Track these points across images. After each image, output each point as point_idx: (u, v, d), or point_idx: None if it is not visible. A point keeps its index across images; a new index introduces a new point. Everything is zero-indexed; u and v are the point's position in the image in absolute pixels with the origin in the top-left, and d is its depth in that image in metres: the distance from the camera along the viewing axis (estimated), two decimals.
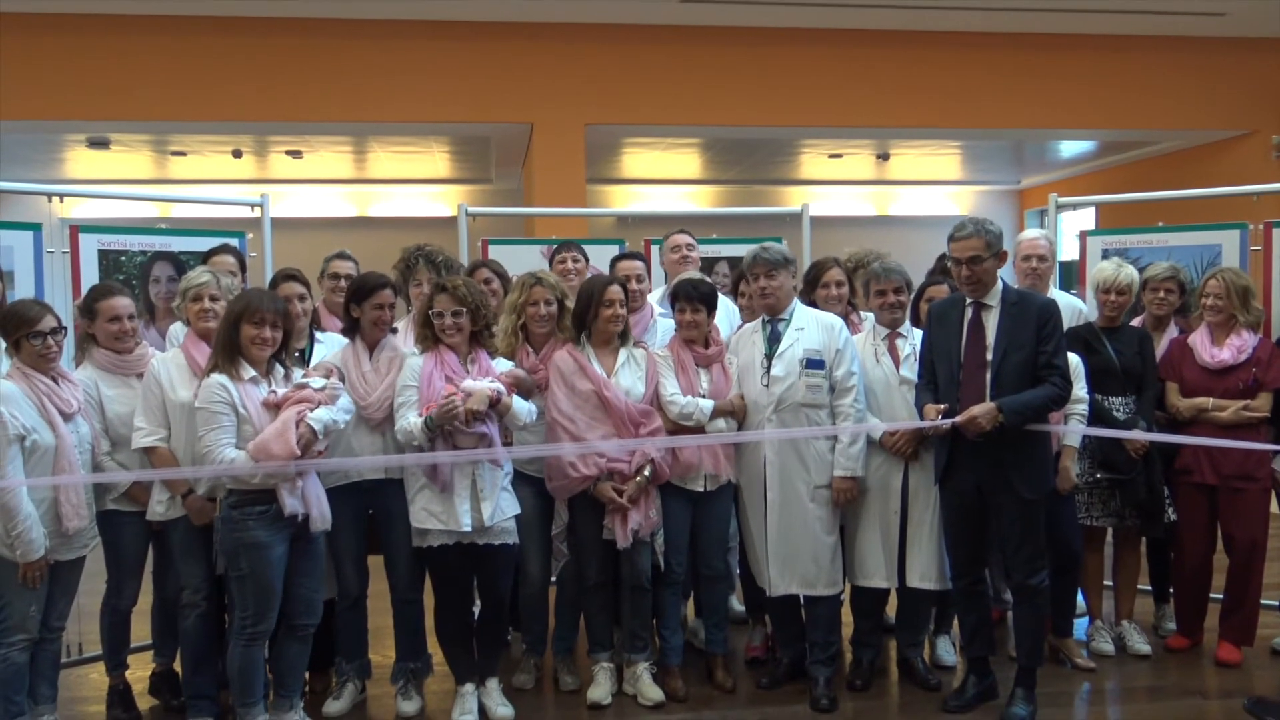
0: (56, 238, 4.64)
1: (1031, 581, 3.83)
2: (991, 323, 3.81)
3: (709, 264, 5.60)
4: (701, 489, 4.11)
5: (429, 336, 3.85)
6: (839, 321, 4.13)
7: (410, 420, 3.72)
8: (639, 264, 4.67)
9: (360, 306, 3.95)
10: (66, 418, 3.53)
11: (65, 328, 3.61)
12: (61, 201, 5.10)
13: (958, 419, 3.71)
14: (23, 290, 4.35)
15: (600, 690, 4.09)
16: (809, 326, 4.07)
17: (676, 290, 4.20)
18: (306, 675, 3.98)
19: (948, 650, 4.51)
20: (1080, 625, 4.69)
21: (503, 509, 3.83)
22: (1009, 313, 3.79)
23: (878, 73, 8.72)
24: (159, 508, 3.78)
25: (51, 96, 7.88)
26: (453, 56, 8.25)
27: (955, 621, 4.59)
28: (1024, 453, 3.77)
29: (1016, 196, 14.10)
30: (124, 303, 3.85)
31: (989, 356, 3.77)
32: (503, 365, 3.94)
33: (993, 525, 3.88)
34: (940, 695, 4.12)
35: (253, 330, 3.52)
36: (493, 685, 4.01)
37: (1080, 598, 4.65)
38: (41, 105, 7.92)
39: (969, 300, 3.86)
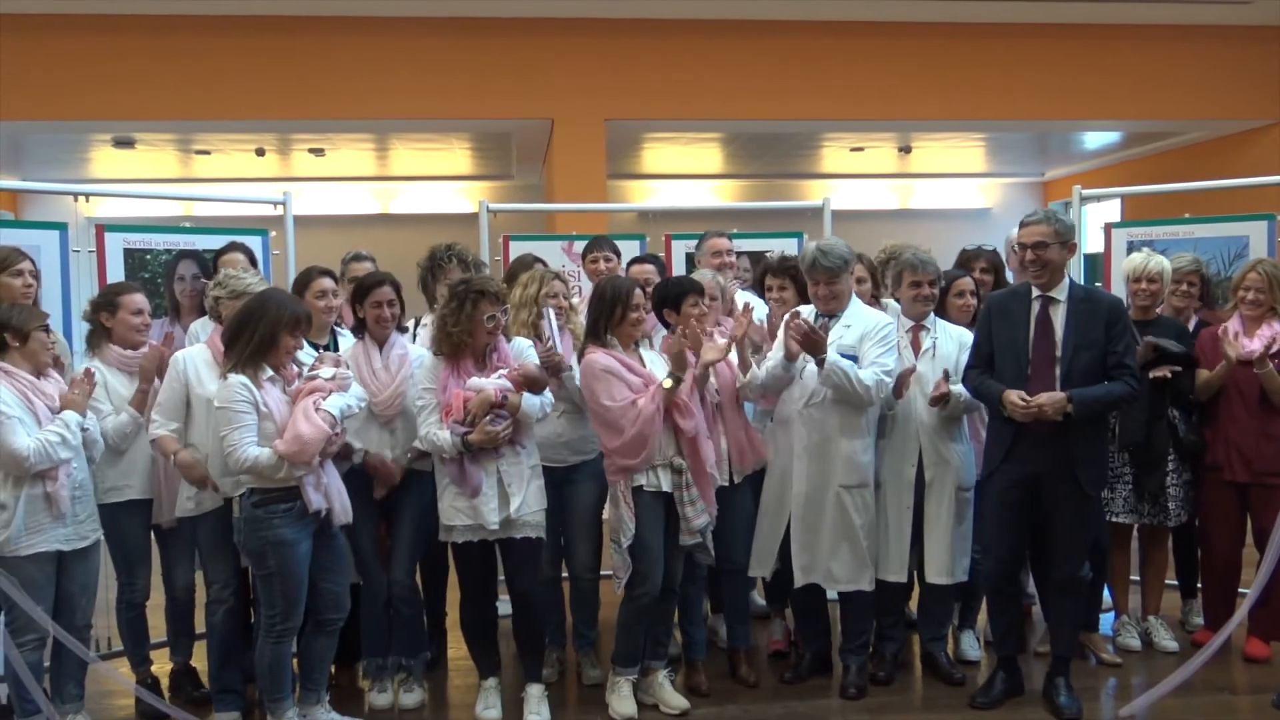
0: (82, 237, 4.68)
1: (1079, 574, 3.84)
2: (1059, 319, 3.78)
3: None
4: (728, 482, 4.09)
5: (450, 346, 3.77)
6: (886, 317, 4.10)
7: (440, 435, 3.70)
8: (651, 268, 4.69)
9: (362, 305, 3.98)
10: (55, 411, 3.57)
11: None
12: (87, 201, 5.14)
13: (1026, 409, 3.65)
14: (49, 289, 4.38)
15: (628, 705, 3.92)
16: (855, 324, 4.03)
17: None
18: (332, 669, 4.00)
19: (972, 645, 4.49)
20: (1106, 620, 4.65)
21: (529, 502, 3.81)
22: (1077, 309, 3.76)
23: (899, 65, 8.68)
24: (189, 504, 3.81)
25: (77, 97, 7.97)
26: (473, 53, 8.27)
27: (979, 616, 4.58)
28: (1090, 449, 3.76)
29: (1040, 188, 14.00)
30: (143, 298, 3.99)
31: (1058, 353, 3.74)
32: (520, 345, 3.91)
33: (1043, 517, 3.84)
34: (964, 690, 4.10)
35: (292, 342, 3.55)
36: (535, 691, 3.91)
37: (1106, 593, 4.62)
38: (68, 106, 8.02)
39: (1035, 294, 3.83)
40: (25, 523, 3.48)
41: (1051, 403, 3.63)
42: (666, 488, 3.84)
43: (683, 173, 12.86)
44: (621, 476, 3.81)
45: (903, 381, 3.99)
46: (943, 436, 4.10)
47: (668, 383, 3.77)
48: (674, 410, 3.79)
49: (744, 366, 4.10)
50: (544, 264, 4.60)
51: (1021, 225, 3.86)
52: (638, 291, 3.95)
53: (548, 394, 3.86)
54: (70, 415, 3.55)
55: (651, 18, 8.37)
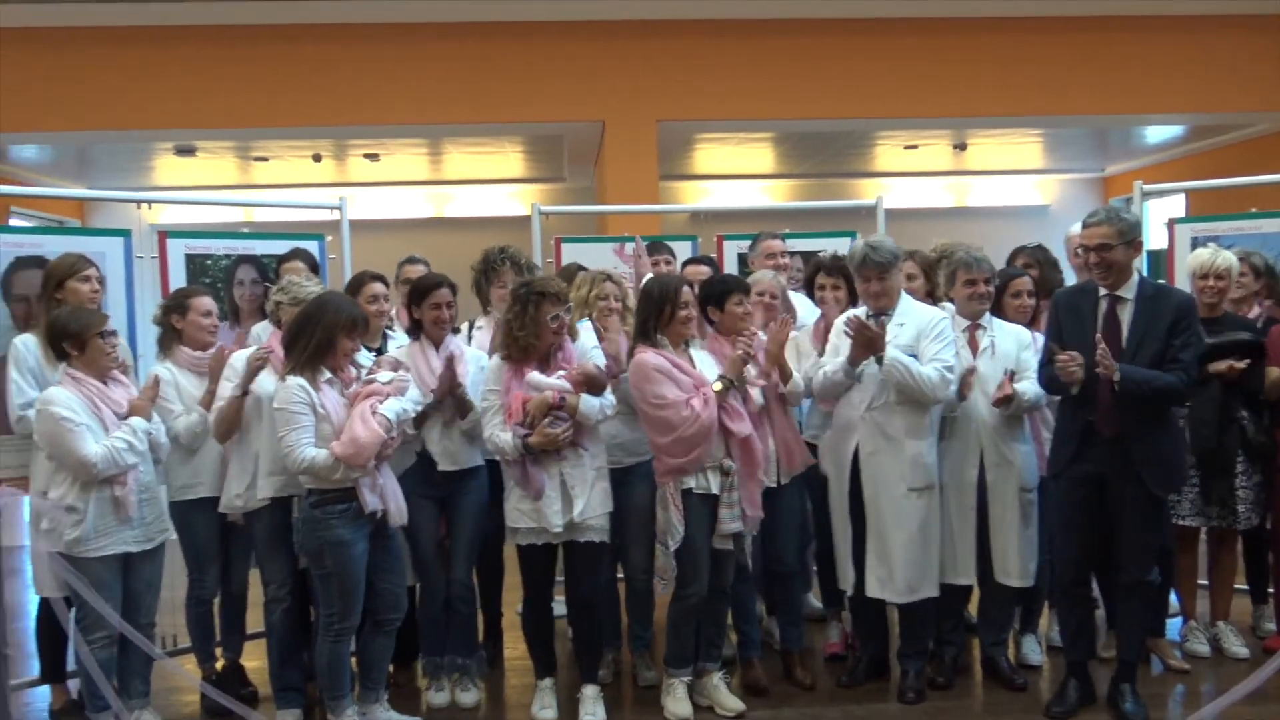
0: (146, 243, 4.77)
1: (1147, 578, 3.76)
2: (1126, 317, 3.70)
3: None
4: (775, 483, 4.06)
5: (518, 350, 3.77)
6: (939, 313, 4.06)
7: (502, 437, 3.72)
8: (706, 269, 4.68)
9: (420, 307, 4.01)
10: (120, 415, 3.64)
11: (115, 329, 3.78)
12: (150, 208, 5.27)
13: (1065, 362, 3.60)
14: (114, 295, 4.48)
15: (684, 706, 3.92)
16: (909, 322, 3.98)
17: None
18: (390, 668, 4.05)
19: (1034, 649, 4.41)
20: (1173, 626, 4.55)
21: (594, 504, 3.80)
22: (1145, 307, 3.69)
23: (954, 61, 8.56)
24: (237, 501, 3.88)
25: (141, 107, 8.15)
26: (524, 56, 8.31)
27: (1041, 620, 4.50)
28: (1155, 449, 3.68)
29: (1101, 184, 13.72)
30: (212, 301, 4.13)
31: (1124, 352, 3.66)
32: (584, 346, 3.91)
33: (1109, 518, 3.76)
34: (1026, 695, 4.04)
35: (350, 344, 3.60)
36: (590, 692, 3.93)
37: (1173, 597, 4.51)
38: (131, 115, 8.20)
39: (1102, 292, 3.75)
40: (95, 525, 3.57)
41: (1108, 364, 3.54)
42: (715, 490, 3.83)
43: (734, 173, 12.81)
44: (671, 479, 3.80)
45: (965, 383, 3.94)
46: (1004, 437, 4.04)
47: (717, 385, 3.76)
48: (723, 414, 3.77)
49: (784, 376, 4.06)
50: (585, 269, 4.59)
51: (1084, 226, 3.78)
52: (686, 290, 3.93)
53: (609, 395, 3.84)
54: (137, 421, 3.63)
55: (702, 18, 8.35)
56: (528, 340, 3.74)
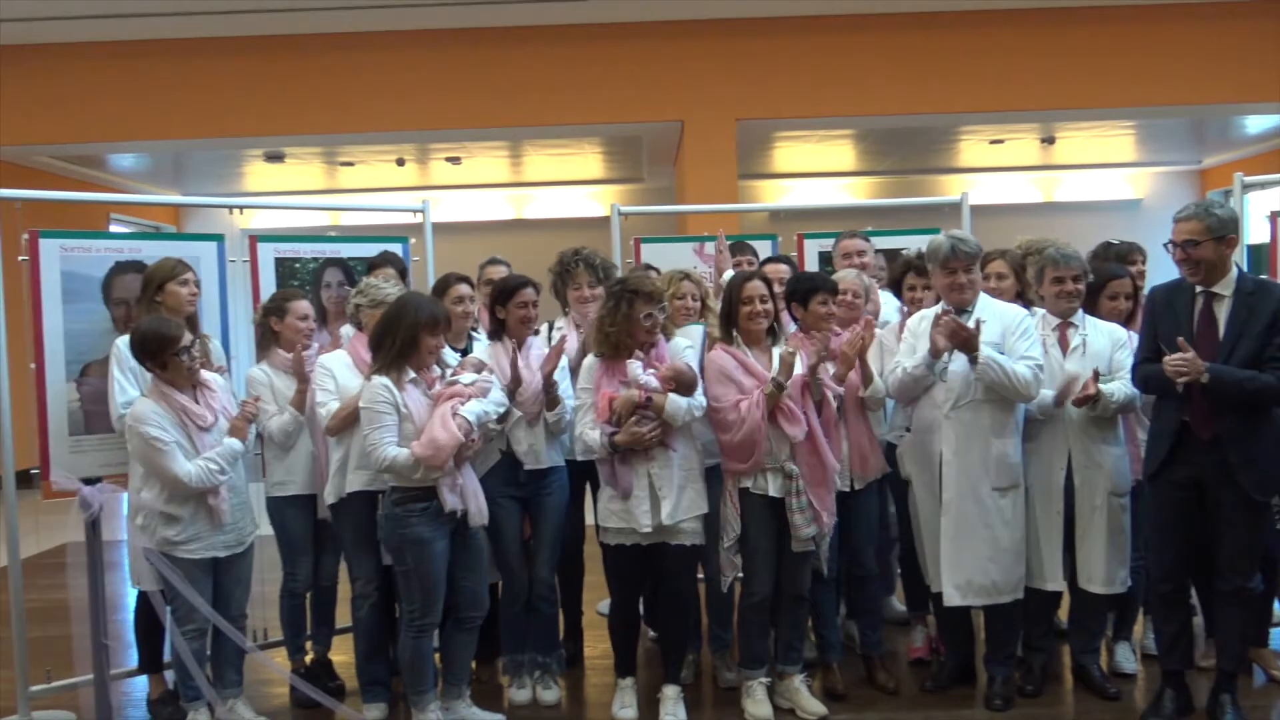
0: (238, 247, 4.90)
1: (1249, 585, 3.61)
2: (1224, 314, 3.56)
3: None
4: (849, 488, 4.02)
5: (609, 347, 3.80)
6: (1021, 310, 3.97)
7: (591, 435, 3.75)
8: (785, 268, 4.62)
9: (505, 308, 4.05)
10: (205, 428, 3.71)
11: (196, 339, 3.84)
12: (241, 213, 5.40)
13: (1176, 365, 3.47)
14: (208, 298, 4.60)
15: (764, 708, 3.90)
16: (991, 320, 3.88)
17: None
18: (473, 665, 4.09)
19: (1128, 658, 4.28)
20: (1277, 635, 4.36)
21: (684, 507, 3.77)
22: (1243, 303, 3.54)
23: (1041, 53, 8.36)
24: (330, 496, 3.97)
25: (233, 115, 8.43)
26: (603, 58, 8.37)
27: (1136, 628, 4.36)
28: (1253, 450, 3.52)
29: (1198, 177, 13.25)
30: (308, 305, 4.24)
31: (1220, 348, 3.52)
32: (678, 345, 3.91)
33: (1208, 523, 3.63)
34: (1119, 705, 3.92)
35: (433, 341, 3.65)
36: (671, 692, 3.92)
37: (1277, 606, 4.32)
38: (224, 124, 8.48)
39: (1199, 289, 3.63)
40: (186, 530, 3.69)
41: (1194, 365, 3.42)
42: (774, 493, 3.79)
43: (815, 171, 12.70)
44: (730, 478, 3.82)
45: (1064, 393, 3.83)
46: (1094, 439, 3.92)
47: (769, 388, 3.72)
48: (779, 416, 3.73)
49: (866, 379, 4.00)
50: (658, 271, 4.57)
51: (1174, 221, 3.65)
52: (751, 284, 3.87)
53: (699, 396, 3.81)
54: (235, 444, 3.73)
55: (780, 16, 8.29)
56: (619, 337, 3.76)
